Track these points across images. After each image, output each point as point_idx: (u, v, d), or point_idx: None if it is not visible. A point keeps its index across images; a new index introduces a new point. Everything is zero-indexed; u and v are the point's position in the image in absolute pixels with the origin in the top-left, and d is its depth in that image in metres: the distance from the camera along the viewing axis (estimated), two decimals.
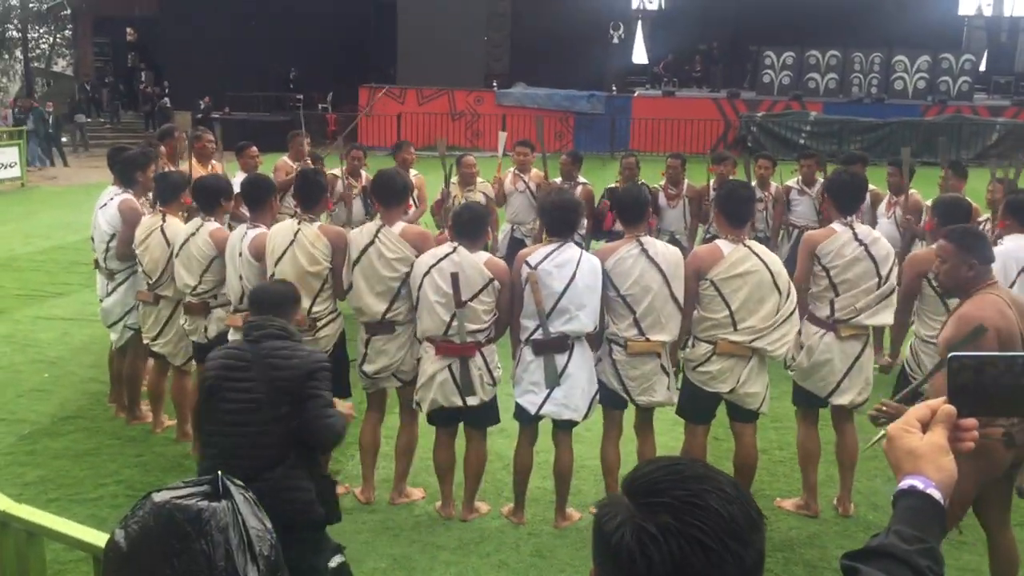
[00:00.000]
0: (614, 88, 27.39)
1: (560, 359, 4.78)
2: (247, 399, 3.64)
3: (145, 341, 6.19)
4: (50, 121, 24.07)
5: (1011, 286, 5.17)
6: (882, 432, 4.09)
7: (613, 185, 8.72)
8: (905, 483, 1.41)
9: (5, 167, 19.62)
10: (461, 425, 5.15)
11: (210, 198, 5.71)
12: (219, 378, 3.70)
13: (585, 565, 4.66)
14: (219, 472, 2.23)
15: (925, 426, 1.45)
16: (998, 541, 4.16)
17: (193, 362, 6.05)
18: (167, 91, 28.56)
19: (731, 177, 8.29)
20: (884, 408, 3.85)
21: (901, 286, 5.10)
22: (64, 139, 25.17)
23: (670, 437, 5.57)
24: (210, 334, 5.71)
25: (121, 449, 6.00)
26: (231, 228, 5.70)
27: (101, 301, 6.59)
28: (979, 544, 4.59)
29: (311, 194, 5.28)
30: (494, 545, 4.88)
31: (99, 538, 2.73)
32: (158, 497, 2.14)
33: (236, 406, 3.64)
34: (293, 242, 5.07)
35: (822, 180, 8.46)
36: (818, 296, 5.10)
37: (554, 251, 4.78)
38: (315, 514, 3.68)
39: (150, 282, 6.00)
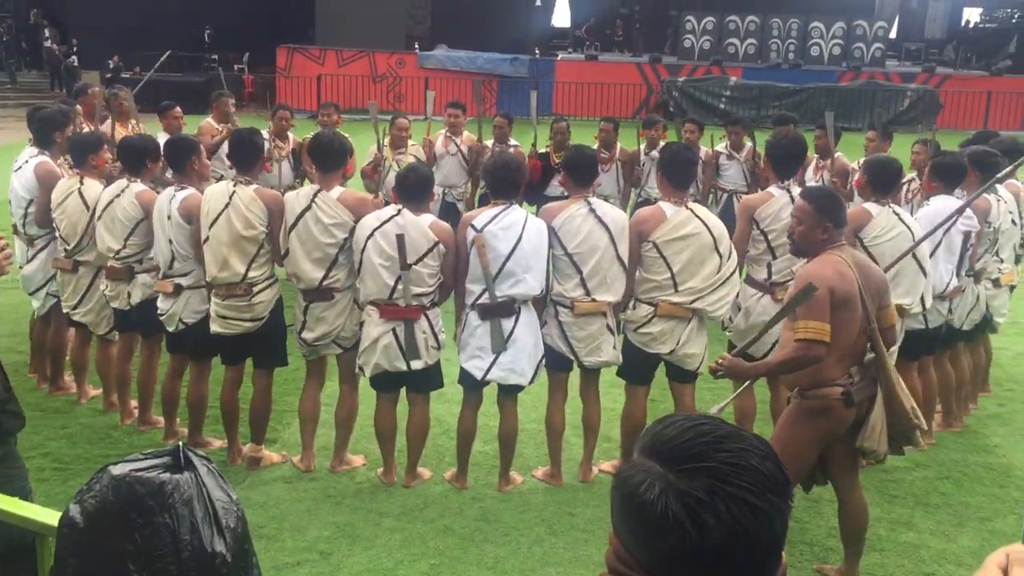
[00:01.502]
0: (537, 52, 27.26)
1: (507, 323, 4.75)
2: None
3: (65, 310, 5.94)
4: None
5: (936, 246, 5.32)
6: (729, 399, 4.20)
7: (544, 150, 8.67)
8: None
9: None
10: (403, 391, 5.09)
11: (136, 159, 5.47)
12: None
13: (529, 528, 4.70)
14: (180, 443, 2.13)
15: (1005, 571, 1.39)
16: (847, 502, 4.21)
17: (116, 332, 5.84)
18: (74, 49, 27.36)
19: (661, 141, 8.34)
20: (721, 362, 3.99)
21: None
22: None
23: (609, 399, 5.60)
24: (133, 300, 5.51)
25: (45, 421, 5.77)
26: (157, 191, 5.47)
27: (21, 268, 6.30)
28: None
29: (247, 156, 5.10)
30: (438, 510, 4.86)
31: (40, 513, 2.61)
32: (116, 470, 2.03)
33: None
34: (228, 205, 4.90)
35: (749, 145, 8.60)
36: (756, 259, 5.17)
37: (499, 213, 4.72)
38: None
39: (68, 248, 5.73)
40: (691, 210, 4.80)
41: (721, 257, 4.79)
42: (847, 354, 3.85)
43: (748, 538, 1.16)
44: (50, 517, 2.46)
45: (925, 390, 5.68)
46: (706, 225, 4.77)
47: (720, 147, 8.88)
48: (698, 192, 8.61)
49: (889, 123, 21.43)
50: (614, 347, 4.98)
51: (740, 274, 5.13)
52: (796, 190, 5.14)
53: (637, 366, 5.04)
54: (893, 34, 29.98)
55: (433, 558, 4.41)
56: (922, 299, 5.18)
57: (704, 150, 8.74)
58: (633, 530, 1.23)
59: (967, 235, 5.43)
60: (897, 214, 5.14)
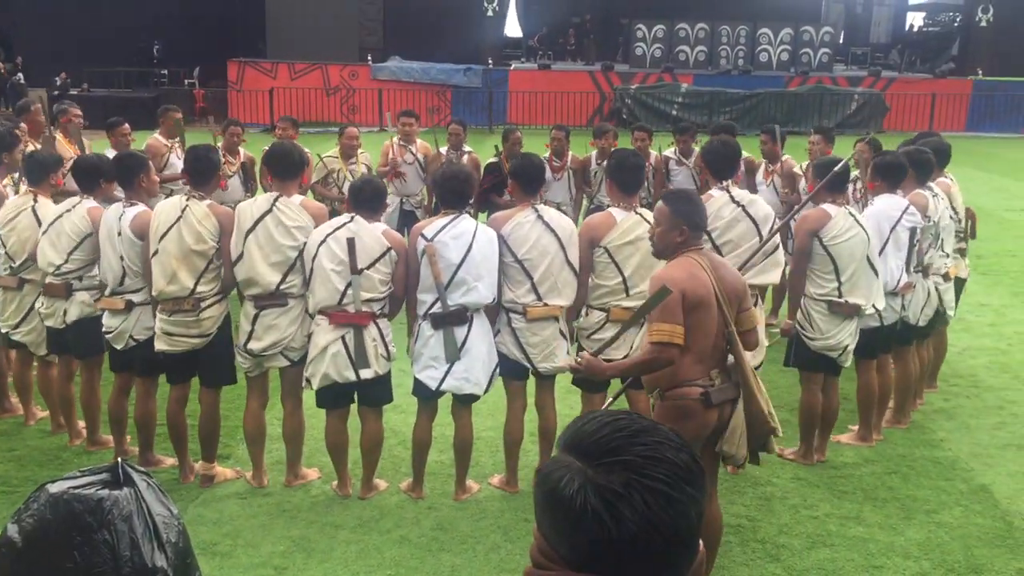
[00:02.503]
0: (490, 61, 27.36)
1: (460, 332, 4.75)
2: None
3: (4, 330, 5.82)
4: None
5: (885, 244, 5.43)
6: (610, 400, 4.24)
7: (493, 160, 8.70)
8: None
9: None
10: (353, 407, 5.07)
11: (91, 177, 5.42)
12: None
13: (485, 536, 4.71)
14: (119, 460, 2.11)
15: None
16: (709, 506, 4.27)
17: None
18: (19, 67, 26.94)
19: (612, 149, 8.41)
20: (580, 361, 4.01)
21: (795, 245, 5.27)
22: None
23: (565, 405, 5.62)
24: (69, 318, 5.41)
25: None
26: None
27: None
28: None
29: (203, 172, 5.07)
30: (394, 521, 4.84)
31: None
32: (54, 488, 2.01)
33: None
34: (180, 219, 4.87)
35: (698, 150, 8.71)
36: None
37: (449, 223, 4.74)
38: None
39: (13, 265, 5.63)
40: (640, 215, 4.85)
41: None
42: (705, 356, 3.81)
43: (665, 528, 1.19)
44: None
45: (882, 388, 5.79)
46: None
47: (669, 152, 8.97)
48: (649, 197, 8.70)
49: (837, 126, 21.92)
50: (567, 352, 5.01)
51: None
52: (736, 191, 5.24)
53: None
54: (840, 39, 30.53)
55: (389, 569, 4.39)
56: (877, 300, 5.30)
57: (653, 155, 8.84)
58: (554, 524, 1.25)
59: (913, 231, 5.55)
60: (852, 215, 5.25)
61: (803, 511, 4.96)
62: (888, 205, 5.52)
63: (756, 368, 5.23)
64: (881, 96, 25.79)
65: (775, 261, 5.17)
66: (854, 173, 6.97)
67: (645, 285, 4.80)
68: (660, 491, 1.19)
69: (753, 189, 7.60)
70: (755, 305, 5.23)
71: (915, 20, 35.82)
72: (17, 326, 5.72)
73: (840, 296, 5.23)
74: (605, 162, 8.31)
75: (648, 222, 4.84)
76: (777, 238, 5.19)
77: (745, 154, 7.20)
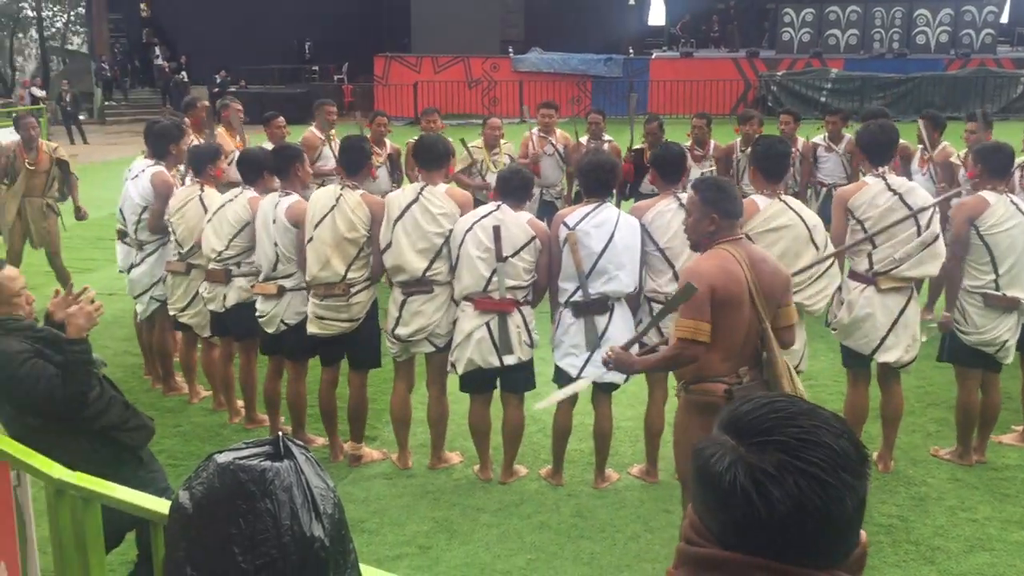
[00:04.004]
0: (631, 51, 27.11)
1: (600, 321, 4.76)
2: None
3: (172, 312, 6.20)
4: (67, 99, 24.12)
5: None
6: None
7: (638, 147, 8.65)
8: None
9: None
10: (496, 393, 5.15)
11: (254, 169, 5.71)
12: None
13: (625, 525, 4.70)
14: (280, 433, 2.23)
15: None
16: None
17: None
18: (183, 66, 28.52)
19: (757, 136, 8.21)
20: (610, 354, 3.87)
21: (951, 234, 5.02)
22: (82, 116, 25.21)
23: None
24: (228, 303, 5.72)
25: (160, 420, 6.01)
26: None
27: (125, 272, 6.62)
28: None
29: (355, 161, 5.27)
30: (534, 506, 4.90)
31: (152, 502, 2.75)
32: (221, 458, 2.13)
33: None
34: (334, 207, 5.07)
35: (848, 136, 8.38)
36: (856, 250, 5.04)
37: (592, 211, 4.75)
38: (95, 463, 3.38)
39: (182, 251, 5.99)
40: (784, 202, 4.73)
41: (818, 249, 4.70)
42: (734, 353, 3.65)
43: (816, 513, 1.17)
44: (162, 506, 2.59)
45: None
46: (800, 217, 4.68)
47: (818, 139, 8.68)
48: (795, 185, 8.46)
49: (1001, 111, 20.68)
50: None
51: (842, 268, 5.04)
52: (893, 178, 5.01)
53: None
54: (1004, 18, 28.71)
55: (530, 553, 4.45)
56: None
57: (801, 141, 8.58)
58: (705, 501, 1.26)
59: None
60: (1015, 203, 4.96)
61: (960, 513, 4.73)
62: None
63: (906, 364, 5.04)
64: None
65: (933, 252, 4.89)
66: (1020, 159, 6.57)
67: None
68: (813, 475, 1.17)
69: (908, 178, 7.27)
70: (911, 300, 5.02)
71: None
72: (184, 309, 6.08)
73: (997, 289, 4.95)
74: (749, 149, 8.14)
75: (793, 210, 4.72)
76: (936, 227, 4.94)
77: (901, 140, 6.88)
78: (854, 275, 5.07)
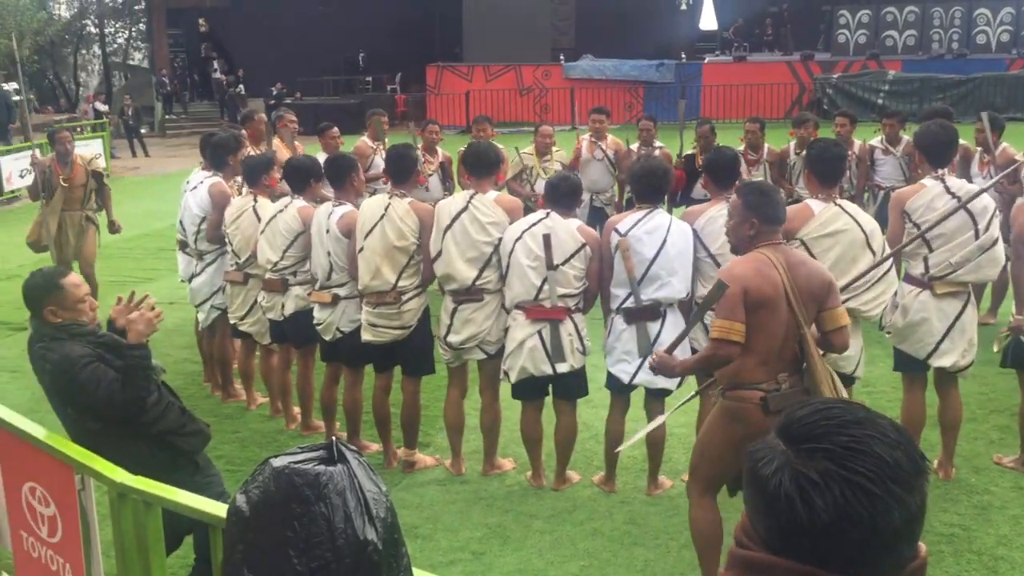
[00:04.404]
0: (683, 56, 26.95)
1: (652, 327, 4.74)
2: (48, 395, 3.74)
3: (232, 321, 6.32)
4: (129, 113, 24.73)
5: None
6: (679, 404, 4.14)
7: (690, 152, 8.61)
8: None
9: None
10: (548, 399, 5.16)
11: (301, 178, 5.81)
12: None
13: (678, 532, 4.66)
14: (334, 438, 2.26)
15: None
16: None
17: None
18: (240, 79, 29.05)
19: (812, 139, 8.11)
20: (654, 358, 3.91)
21: (1014, 234, 4.91)
22: (143, 130, 25.81)
23: None
24: (286, 311, 5.80)
25: (219, 426, 6.15)
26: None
27: (186, 281, 6.77)
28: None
29: (402, 169, 5.32)
30: (587, 513, 4.89)
31: (211, 506, 2.81)
32: (276, 462, 2.18)
33: (47, 395, 3.75)
34: (383, 217, 5.12)
35: (906, 139, 8.23)
36: (911, 254, 4.95)
37: (644, 217, 4.74)
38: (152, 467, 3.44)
39: (239, 261, 6.10)
40: (840, 206, 4.66)
41: (874, 254, 4.62)
42: (771, 358, 3.62)
43: (861, 524, 1.16)
44: (220, 510, 2.65)
45: None
46: (856, 221, 4.61)
47: (875, 141, 8.55)
48: (851, 189, 8.34)
49: None
50: None
51: (898, 272, 4.95)
52: (952, 180, 4.91)
53: None
54: None
55: (583, 559, 4.45)
56: None
57: (858, 144, 8.45)
58: (754, 504, 1.26)
59: None
60: None
61: None
62: None
63: (963, 369, 4.90)
64: None
65: (992, 257, 4.77)
66: None
67: (846, 279, 4.61)
68: (859, 484, 1.16)
69: (968, 180, 7.12)
70: (967, 304, 4.91)
71: None
72: (243, 317, 6.20)
73: None
74: (803, 152, 8.05)
75: (849, 214, 4.65)
76: (995, 231, 4.82)
77: (961, 141, 6.75)
78: (909, 279, 4.98)
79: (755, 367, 3.63)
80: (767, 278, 3.58)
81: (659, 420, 4.58)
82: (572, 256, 4.81)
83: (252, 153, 7.29)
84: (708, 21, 29.17)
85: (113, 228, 8.64)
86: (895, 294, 4.95)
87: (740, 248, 3.80)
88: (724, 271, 3.72)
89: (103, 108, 25.82)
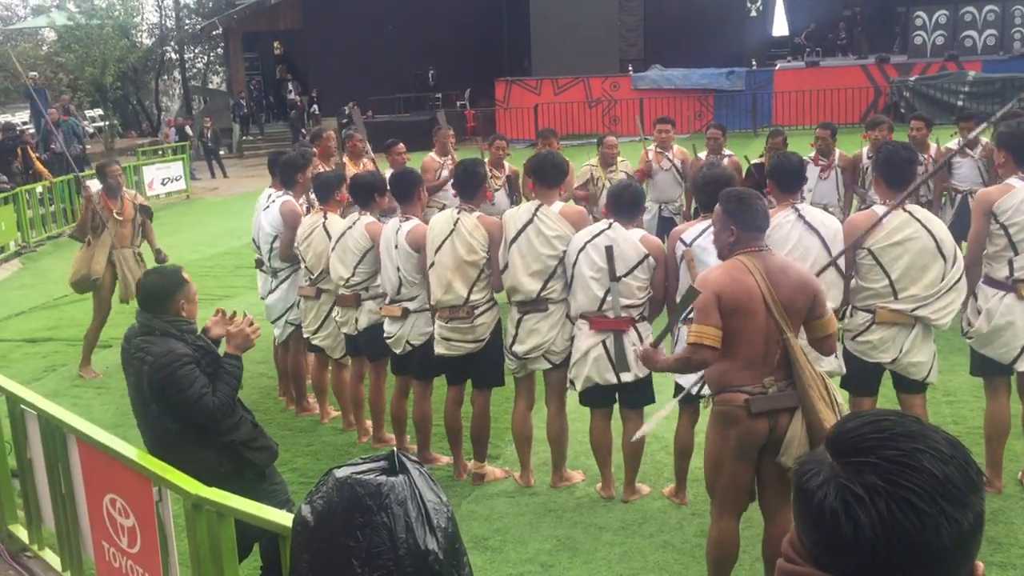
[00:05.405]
0: (754, 63, 26.62)
1: None
2: (134, 393, 3.90)
3: (305, 335, 6.46)
4: (208, 135, 25.44)
5: None
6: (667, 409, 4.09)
7: (757, 161, 8.51)
8: None
9: (172, 180, 20.97)
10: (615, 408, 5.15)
11: (365, 193, 5.92)
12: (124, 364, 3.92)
13: (751, 546, 4.60)
14: (395, 449, 2.31)
15: None
16: (771, 524, 3.91)
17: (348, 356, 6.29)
18: (315, 100, 29.65)
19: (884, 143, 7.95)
20: (638, 352, 3.97)
21: None
22: (221, 152, 26.52)
23: None
24: (360, 325, 5.90)
25: (293, 439, 6.30)
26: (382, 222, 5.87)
27: (263, 298, 6.94)
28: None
29: (470, 185, 5.39)
30: (657, 526, 4.87)
31: (280, 516, 2.89)
32: (340, 473, 2.24)
33: (132, 394, 3.92)
34: (453, 231, 5.20)
35: (985, 141, 8.01)
36: (995, 256, 4.81)
37: (708, 227, 4.69)
38: (219, 475, 3.57)
39: (312, 277, 6.24)
40: (910, 213, 4.56)
41: (946, 262, 4.51)
42: (756, 362, 3.64)
43: (908, 541, 1.13)
44: (288, 520, 2.72)
45: None
46: (927, 229, 4.51)
47: (951, 144, 8.33)
48: (928, 193, 8.14)
49: None
50: (836, 356, 4.80)
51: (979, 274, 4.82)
52: None
53: (859, 376, 4.82)
54: None
55: (653, 573, 4.42)
56: None
57: (934, 147, 8.25)
58: (801, 517, 1.24)
59: None
60: None
61: None
62: None
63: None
64: None
65: None
66: None
67: (916, 288, 4.52)
68: (907, 500, 1.13)
69: None
70: None
71: None
72: (316, 331, 6.33)
73: None
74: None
75: (919, 221, 4.54)
76: None
77: None
78: (992, 282, 4.84)
79: (739, 371, 3.69)
80: (741, 284, 3.64)
81: (665, 411, 4.49)
82: (635, 267, 4.80)
83: (323, 170, 7.45)
84: (780, 27, 28.77)
85: (159, 256, 8.15)
86: (974, 298, 4.83)
87: (722, 255, 3.88)
88: (700, 277, 3.81)
89: (190, 132, 26.60)
